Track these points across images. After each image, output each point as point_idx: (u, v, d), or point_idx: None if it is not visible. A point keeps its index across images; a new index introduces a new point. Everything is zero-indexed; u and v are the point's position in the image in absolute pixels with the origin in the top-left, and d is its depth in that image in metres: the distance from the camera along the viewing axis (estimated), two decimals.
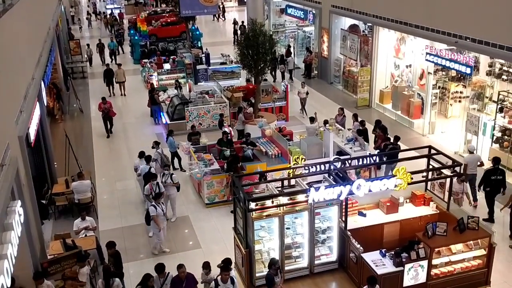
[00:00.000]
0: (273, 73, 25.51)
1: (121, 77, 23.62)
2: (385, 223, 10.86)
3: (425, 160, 11.86)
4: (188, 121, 18.86)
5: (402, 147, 14.79)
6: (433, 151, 11.58)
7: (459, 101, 17.97)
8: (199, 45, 30.09)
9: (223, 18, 44.83)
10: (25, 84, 12.10)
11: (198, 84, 24.51)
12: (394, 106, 20.15)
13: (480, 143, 15.62)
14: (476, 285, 10.29)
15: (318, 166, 11.21)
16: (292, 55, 28.10)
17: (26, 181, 10.07)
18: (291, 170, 12.24)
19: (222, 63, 25.97)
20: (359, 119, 16.27)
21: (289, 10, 29.10)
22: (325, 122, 16.04)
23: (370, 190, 10.08)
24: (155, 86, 22.88)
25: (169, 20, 34.26)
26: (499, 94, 15.37)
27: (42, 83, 15.02)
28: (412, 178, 10.24)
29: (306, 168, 11.51)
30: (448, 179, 11.02)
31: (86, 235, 11.67)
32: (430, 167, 11.44)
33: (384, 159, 13.25)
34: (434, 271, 10.01)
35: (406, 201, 11.47)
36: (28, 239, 9.37)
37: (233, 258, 11.30)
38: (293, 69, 26.09)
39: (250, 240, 10.12)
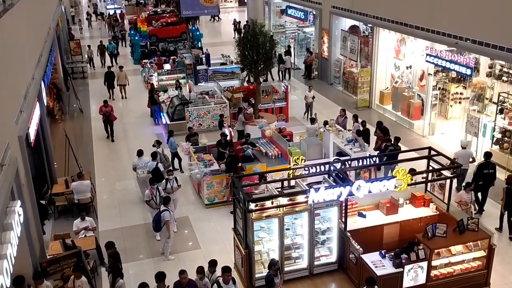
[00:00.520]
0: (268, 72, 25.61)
1: (122, 80, 23.21)
2: (385, 224, 10.86)
3: (425, 161, 11.86)
4: (188, 122, 18.87)
5: (402, 148, 14.78)
6: (433, 152, 11.58)
7: (459, 102, 17.97)
8: (200, 46, 30.09)
9: (218, 19, 44.58)
10: (25, 84, 12.10)
11: (198, 84, 24.52)
12: (394, 107, 20.15)
13: (480, 144, 15.62)
14: (476, 286, 10.29)
15: (318, 167, 11.21)
16: (291, 54, 28.14)
17: (25, 181, 10.06)
18: (291, 170, 12.24)
19: (222, 64, 25.98)
20: (360, 120, 16.27)
21: (289, 11, 29.11)
22: (325, 123, 16.04)
23: (370, 191, 10.08)
24: (155, 87, 22.91)
25: (169, 21, 34.25)
26: (499, 96, 15.38)
27: (42, 83, 15.02)
28: (412, 179, 10.24)
29: (306, 169, 11.51)
30: (448, 181, 11.01)
31: (85, 235, 11.67)
32: (430, 168, 11.43)
33: (384, 159, 13.26)
34: (433, 272, 10.00)
35: (406, 202, 11.46)
36: (28, 239, 9.37)
37: (233, 258, 11.31)
38: (290, 68, 26.21)
39: (250, 241, 10.11)
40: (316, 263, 10.68)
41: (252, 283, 10.27)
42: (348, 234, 10.43)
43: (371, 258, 9.93)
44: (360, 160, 12.22)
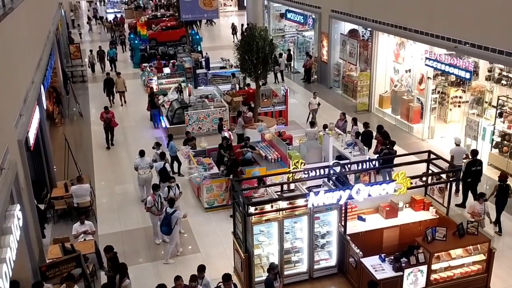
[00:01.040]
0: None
1: (121, 87, 22.79)
2: (384, 228, 10.86)
3: (424, 164, 11.87)
4: (188, 125, 18.87)
5: (402, 151, 14.80)
6: (432, 156, 11.59)
7: (459, 106, 17.99)
8: (199, 50, 30.13)
9: (213, 23, 44.20)
10: (24, 88, 12.11)
11: (198, 88, 24.54)
12: (393, 111, 20.17)
13: (479, 148, 15.62)
14: None
15: (317, 171, 11.22)
16: (291, 58, 28.22)
17: (25, 185, 10.05)
18: (291, 174, 12.24)
19: (221, 68, 26.01)
20: (359, 123, 16.29)
21: (288, 15, 29.18)
22: (325, 126, 16.05)
23: (369, 195, 10.09)
24: (155, 90, 22.94)
25: (169, 25, 34.34)
26: (498, 99, 15.40)
27: (42, 87, 15.02)
28: (411, 183, 10.25)
29: (306, 172, 11.51)
30: (448, 184, 11.02)
31: (85, 239, 11.65)
32: (430, 171, 11.44)
33: (380, 162, 13.29)
34: (433, 276, 10.00)
35: (405, 206, 11.47)
36: (27, 243, 9.35)
37: (232, 262, 11.30)
38: (284, 70, 26.58)
39: (250, 244, 10.11)
40: (315, 267, 10.67)
41: (251, 287, 10.26)
42: (348, 237, 10.42)
43: (371, 262, 9.93)
44: (360, 164, 12.23)
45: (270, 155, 14.99)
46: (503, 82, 15.91)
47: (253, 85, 20.41)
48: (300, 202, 10.10)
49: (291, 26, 31.13)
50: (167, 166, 14.24)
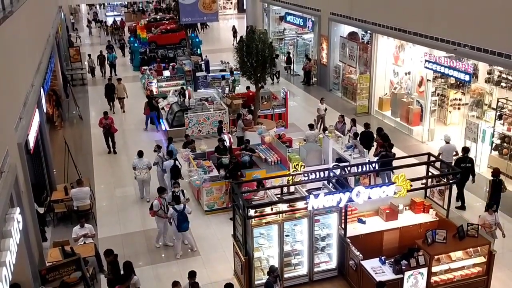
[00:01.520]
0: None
1: (121, 93, 22.35)
2: (384, 230, 10.86)
3: (424, 167, 11.87)
4: (188, 128, 18.88)
5: (401, 154, 14.80)
6: (432, 158, 11.59)
7: (458, 108, 18.00)
8: (199, 52, 30.17)
9: (206, 26, 43.86)
10: (24, 91, 12.12)
11: (198, 91, 24.56)
12: (393, 113, 20.18)
13: (479, 150, 15.63)
14: None
15: (317, 173, 11.22)
16: (291, 61, 28.27)
17: (25, 188, 10.05)
18: (291, 177, 12.24)
19: (221, 70, 26.04)
20: (358, 124, 16.33)
21: (288, 18, 29.21)
22: (325, 129, 16.05)
23: (369, 197, 10.09)
24: (155, 93, 22.95)
25: (168, 27, 34.39)
26: (498, 101, 15.41)
27: (42, 90, 15.03)
28: (411, 185, 10.25)
29: (306, 175, 11.51)
30: (448, 186, 11.02)
31: (85, 242, 11.64)
32: (430, 174, 11.44)
33: (377, 165, 13.29)
34: (433, 279, 9.99)
35: (405, 208, 11.47)
36: (27, 246, 9.34)
37: (232, 265, 11.29)
38: (279, 71, 26.85)
39: (249, 247, 10.10)
40: (316, 269, 10.67)
41: None
42: (348, 240, 10.42)
43: (371, 265, 9.92)
44: (360, 166, 12.24)
45: (270, 157, 14.99)
46: (503, 84, 15.91)
47: (251, 88, 20.50)
48: (300, 204, 10.10)
49: (291, 28, 31.16)
50: (178, 163, 14.48)
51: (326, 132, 15.82)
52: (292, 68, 28.48)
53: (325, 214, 10.44)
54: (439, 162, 12.01)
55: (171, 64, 27.04)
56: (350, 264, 10.35)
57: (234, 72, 24.05)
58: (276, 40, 30.81)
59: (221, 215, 13.83)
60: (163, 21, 37.68)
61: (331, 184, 10.93)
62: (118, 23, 41.37)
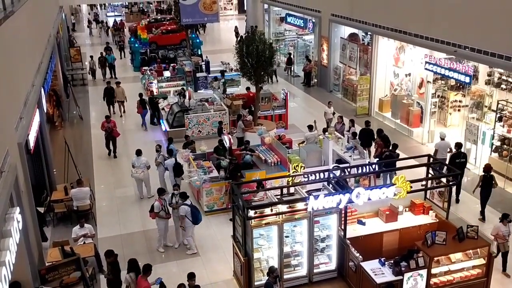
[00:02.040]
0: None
1: (120, 96, 21.95)
2: (384, 232, 10.86)
3: (424, 168, 11.88)
4: (188, 129, 18.89)
5: (401, 155, 14.80)
6: (432, 160, 11.59)
7: (458, 110, 18.00)
8: (199, 53, 30.18)
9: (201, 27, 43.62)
10: (25, 91, 12.13)
11: (198, 91, 24.56)
12: (393, 115, 20.19)
13: (479, 152, 15.63)
14: None
15: (317, 174, 11.22)
16: (292, 62, 28.28)
17: (25, 188, 10.06)
18: (290, 178, 12.24)
19: (222, 71, 26.03)
20: (357, 125, 16.41)
21: (289, 19, 29.22)
22: (324, 130, 16.07)
23: (369, 199, 10.09)
24: (155, 93, 22.98)
25: (169, 28, 34.41)
26: (498, 103, 15.41)
27: (42, 90, 15.05)
28: (411, 187, 10.25)
29: (306, 176, 11.51)
30: (448, 188, 11.02)
31: (84, 242, 11.64)
32: (429, 175, 11.44)
33: (379, 166, 13.30)
34: (433, 280, 9.98)
35: (405, 210, 11.46)
36: (27, 246, 9.35)
37: (232, 266, 11.28)
38: (276, 70, 26.76)
39: (249, 248, 10.10)
40: (315, 270, 10.67)
41: None
42: (348, 241, 10.42)
43: (371, 266, 9.92)
44: (360, 168, 12.24)
45: (269, 158, 15.00)
46: (503, 86, 15.92)
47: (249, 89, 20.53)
48: (299, 205, 10.10)
49: (291, 30, 31.18)
50: (180, 160, 14.70)
51: (326, 133, 15.83)
52: (292, 69, 28.49)
53: (325, 215, 10.44)
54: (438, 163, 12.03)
55: (172, 64, 27.05)
56: (350, 266, 10.35)
57: (226, 74, 24.23)
58: (277, 41, 30.80)
59: (221, 216, 13.84)
60: (164, 22, 37.72)
61: (331, 185, 10.93)
62: (118, 23, 41.29)
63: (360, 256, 10.05)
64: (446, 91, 18.14)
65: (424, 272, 9.79)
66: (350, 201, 10.01)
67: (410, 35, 17.78)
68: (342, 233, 10.54)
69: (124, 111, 22.37)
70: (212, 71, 26.01)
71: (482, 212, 13.19)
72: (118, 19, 46.39)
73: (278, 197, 10.89)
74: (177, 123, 19.21)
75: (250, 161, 14.69)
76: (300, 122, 20.51)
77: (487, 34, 14.45)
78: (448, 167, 12.26)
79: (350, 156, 14.77)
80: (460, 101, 17.86)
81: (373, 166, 12.45)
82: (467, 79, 15.44)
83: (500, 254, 10.89)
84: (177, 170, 14.49)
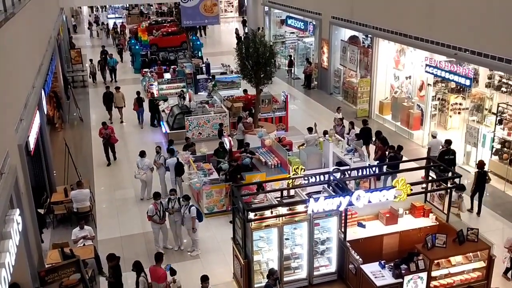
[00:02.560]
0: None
1: (120, 102, 21.39)
2: (384, 235, 10.84)
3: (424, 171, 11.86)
4: (188, 131, 18.89)
5: (402, 158, 14.80)
6: (432, 163, 11.59)
7: (459, 113, 17.99)
8: (200, 55, 30.21)
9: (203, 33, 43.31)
10: (25, 93, 12.14)
11: (198, 94, 24.58)
12: (393, 117, 20.18)
13: (479, 154, 15.62)
14: None
15: (317, 177, 11.20)
16: (293, 65, 28.30)
17: (25, 189, 10.05)
18: (291, 180, 12.23)
19: (222, 73, 26.07)
20: (356, 126, 16.47)
21: (289, 21, 29.26)
22: (325, 132, 16.07)
23: (369, 201, 10.08)
24: (155, 95, 22.98)
25: (170, 30, 34.45)
26: (498, 106, 15.41)
27: (43, 91, 15.05)
28: (411, 190, 10.24)
29: (306, 178, 11.50)
30: (448, 191, 11.01)
31: (84, 244, 11.63)
32: (430, 178, 11.43)
33: (384, 167, 13.31)
34: (433, 283, 9.97)
35: (405, 213, 11.45)
36: (26, 248, 9.34)
37: (232, 268, 11.27)
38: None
39: (249, 250, 10.09)
40: (315, 273, 10.65)
41: None
42: (348, 244, 10.41)
43: (371, 269, 9.91)
44: (360, 170, 12.23)
45: (270, 161, 14.99)
46: (503, 89, 15.92)
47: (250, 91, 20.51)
48: (300, 208, 10.09)
49: (292, 32, 31.21)
50: (180, 158, 14.75)
51: (327, 135, 15.82)
52: (293, 71, 28.51)
53: (325, 217, 10.43)
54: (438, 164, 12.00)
55: (172, 66, 27.08)
56: (350, 268, 10.34)
57: (226, 76, 24.47)
58: (277, 44, 30.83)
59: (221, 218, 13.83)
60: (164, 24, 37.77)
61: (331, 188, 10.92)
62: (119, 26, 41.24)
63: (360, 259, 10.03)
64: (446, 93, 18.14)
65: (424, 275, 9.78)
66: (350, 203, 10.00)
67: (411, 38, 17.80)
68: (342, 236, 10.52)
69: (122, 119, 21.68)
70: (212, 73, 26.02)
71: (479, 207, 13.49)
72: (119, 21, 46.43)
73: (278, 199, 10.88)
74: (177, 125, 19.22)
75: (249, 164, 14.67)
76: (300, 125, 20.50)
77: (487, 37, 14.45)
78: (450, 171, 12.23)
79: (350, 158, 14.77)
80: (460, 104, 17.85)
81: (373, 168, 12.44)
82: (468, 82, 15.44)
83: None
84: (179, 169, 14.54)
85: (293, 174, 13.01)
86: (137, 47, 31.25)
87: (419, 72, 18.54)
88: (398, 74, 20.30)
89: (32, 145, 11.45)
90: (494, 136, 15.43)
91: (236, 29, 38.58)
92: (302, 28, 27.73)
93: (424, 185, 11.64)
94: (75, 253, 10.64)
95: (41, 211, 12.52)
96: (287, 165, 14.25)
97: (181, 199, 12.42)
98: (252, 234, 9.95)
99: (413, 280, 9.72)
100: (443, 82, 17.82)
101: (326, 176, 11.17)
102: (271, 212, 9.94)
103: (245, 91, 21.48)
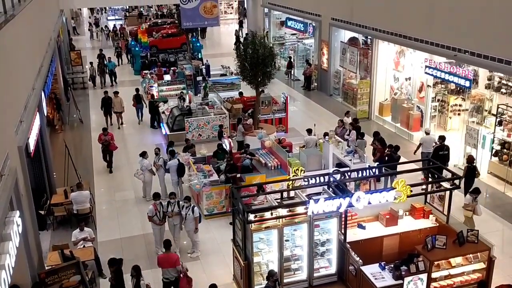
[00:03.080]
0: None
1: (118, 107, 20.96)
2: (384, 236, 10.84)
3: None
4: (188, 132, 18.90)
5: (401, 159, 14.80)
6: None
7: (458, 114, 18.01)
8: (200, 57, 30.23)
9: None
10: (25, 94, 12.14)
11: (198, 95, 24.58)
12: (393, 119, 20.20)
13: (479, 156, 15.63)
14: None
15: (317, 178, 11.21)
16: (292, 66, 28.32)
17: (25, 191, 10.05)
18: (291, 181, 12.24)
19: (222, 75, 26.08)
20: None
21: (289, 23, 29.29)
22: (325, 134, 16.07)
23: (369, 203, 10.08)
24: (155, 97, 22.99)
25: (169, 32, 34.47)
26: (498, 107, 15.43)
27: (43, 93, 15.06)
28: (411, 191, 10.24)
29: (306, 180, 11.50)
30: (448, 192, 11.00)
31: (84, 246, 11.63)
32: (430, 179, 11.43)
33: (380, 168, 13.30)
34: (433, 285, 9.97)
35: (405, 214, 11.45)
36: (26, 249, 9.34)
37: (232, 270, 11.27)
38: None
39: (249, 252, 10.08)
40: (315, 274, 10.64)
41: None
42: (348, 245, 10.40)
43: (371, 270, 9.90)
44: (360, 171, 12.23)
45: (270, 162, 14.99)
46: (503, 90, 15.93)
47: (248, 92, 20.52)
48: (300, 209, 10.08)
49: (292, 33, 31.23)
50: (180, 158, 14.76)
51: (326, 137, 15.83)
52: (292, 72, 28.52)
53: (325, 219, 10.42)
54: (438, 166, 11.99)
55: (172, 68, 27.09)
56: (350, 270, 10.33)
57: (226, 78, 24.52)
58: (277, 45, 30.85)
59: (221, 220, 13.83)
60: (164, 26, 37.79)
61: (331, 189, 10.93)
62: (118, 28, 41.17)
63: (360, 260, 10.03)
64: (446, 95, 18.15)
65: (424, 276, 9.77)
66: (350, 205, 9.99)
67: (410, 39, 17.82)
68: (342, 237, 10.52)
69: (122, 123, 21.46)
70: (212, 75, 26.06)
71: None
72: (118, 23, 46.42)
73: (278, 201, 10.87)
74: (177, 127, 19.22)
75: (249, 165, 14.67)
76: (300, 126, 20.50)
77: (487, 39, 14.47)
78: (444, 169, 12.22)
79: (350, 160, 14.77)
80: (460, 105, 17.87)
81: (373, 170, 12.44)
82: (467, 83, 15.46)
83: None
84: (180, 170, 14.55)
85: (293, 176, 13.01)
86: (137, 48, 31.26)
87: (419, 74, 18.56)
88: (397, 75, 20.32)
89: (32, 146, 11.45)
90: (494, 137, 15.44)
91: (236, 30, 38.61)
92: (302, 29, 27.75)
93: (424, 186, 11.63)
94: (75, 255, 10.65)
95: (41, 212, 12.52)
96: (287, 167, 14.26)
97: (182, 201, 12.41)
98: (252, 236, 9.95)
99: (413, 281, 9.72)
100: (443, 83, 17.84)
101: (326, 177, 11.17)
102: (271, 214, 9.93)
103: (240, 93, 21.49)
